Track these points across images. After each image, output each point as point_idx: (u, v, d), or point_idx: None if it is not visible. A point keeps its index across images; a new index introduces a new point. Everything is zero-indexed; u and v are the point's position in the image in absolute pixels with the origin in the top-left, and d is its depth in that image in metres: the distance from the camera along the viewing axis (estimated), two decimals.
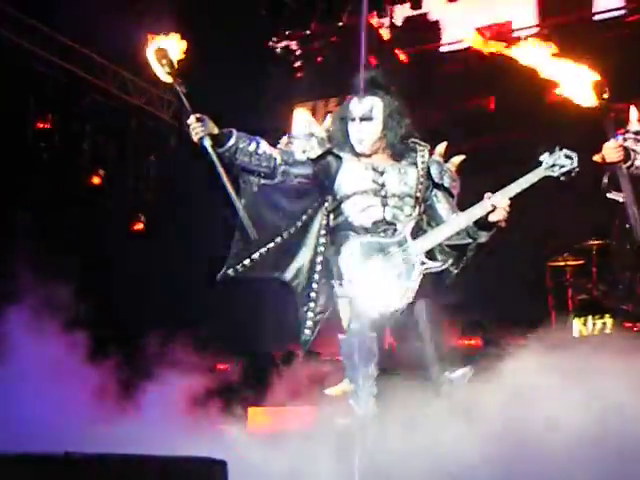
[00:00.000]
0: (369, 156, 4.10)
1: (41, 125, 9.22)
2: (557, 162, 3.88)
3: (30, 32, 8.53)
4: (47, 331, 4.60)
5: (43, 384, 4.44)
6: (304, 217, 4.05)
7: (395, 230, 3.99)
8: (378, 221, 4.01)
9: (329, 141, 4.10)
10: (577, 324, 6.87)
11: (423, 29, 10.13)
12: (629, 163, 4.05)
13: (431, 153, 4.17)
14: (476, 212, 3.90)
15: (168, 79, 3.84)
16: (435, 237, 3.98)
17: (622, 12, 9.21)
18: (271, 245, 3.96)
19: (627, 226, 4.37)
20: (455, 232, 3.94)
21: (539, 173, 3.88)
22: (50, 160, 9.29)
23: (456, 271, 4.07)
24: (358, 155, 4.09)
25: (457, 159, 4.24)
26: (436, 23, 10.10)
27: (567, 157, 3.88)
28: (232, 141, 3.85)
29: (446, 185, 4.12)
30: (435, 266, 3.93)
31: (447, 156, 4.19)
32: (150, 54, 3.87)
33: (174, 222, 9.68)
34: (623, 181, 4.03)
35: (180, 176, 9.44)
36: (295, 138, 4.11)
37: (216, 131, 3.85)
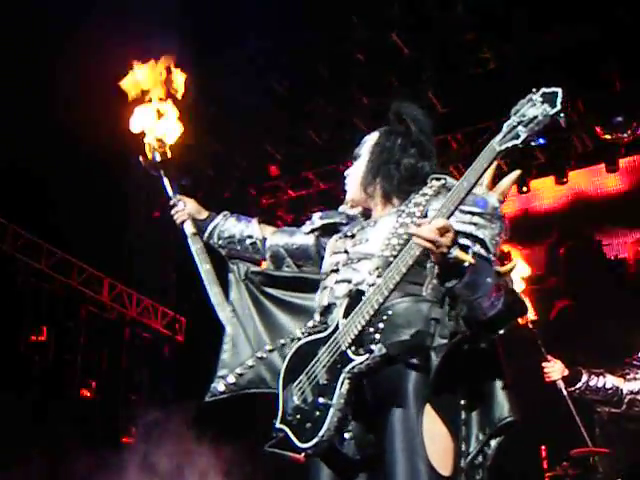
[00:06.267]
0: (366, 218, 3.04)
1: (35, 338, 9.23)
2: (525, 115, 2.38)
3: (25, 245, 8.69)
4: None
5: None
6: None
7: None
8: (323, 310, 2.89)
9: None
10: None
11: None
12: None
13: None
14: (406, 255, 2.52)
15: (155, 167, 3.56)
16: (362, 312, 2.60)
17: None
18: (261, 355, 3.08)
19: None
20: (385, 297, 2.55)
21: (490, 152, 2.44)
22: (41, 373, 9.21)
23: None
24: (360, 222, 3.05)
25: (507, 180, 2.81)
26: None
27: (544, 99, 2.37)
28: (212, 224, 3.40)
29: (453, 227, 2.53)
30: (359, 361, 2.57)
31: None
32: (147, 139, 3.59)
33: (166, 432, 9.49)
34: None
35: (172, 387, 9.37)
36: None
37: (202, 215, 3.45)
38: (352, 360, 2.58)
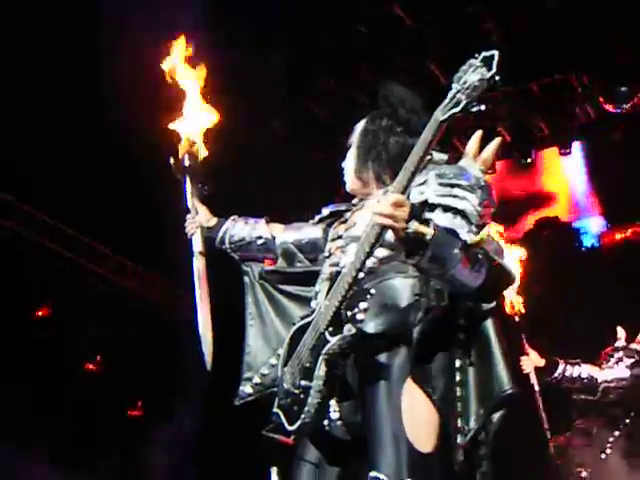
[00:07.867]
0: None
1: (40, 313, 9.26)
2: (466, 81, 2.33)
3: (28, 221, 8.69)
4: None
5: None
6: None
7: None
8: (315, 295, 2.90)
9: None
10: None
11: None
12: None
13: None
14: (369, 235, 2.52)
15: (182, 171, 3.52)
16: (336, 294, 2.63)
17: None
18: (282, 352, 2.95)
19: None
20: (353, 277, 2.57)
21: (433, 122, 2.42)
22: (48, 347, 9.25)
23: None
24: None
25: (489, 148, 2.68)
26: None
27: (482, 63, 2.33)
28: (222, 230, 3.41)
29: (432, 200, 2.59)
30: (333, 342, 2.59)
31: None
32: (182, 136, 3.56)
33: (172, 407, 9.57)
34: None
35: (177, 360, 9.41)
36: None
37: (211, 223, 3.46)
38: (329, 342, 2.59)
